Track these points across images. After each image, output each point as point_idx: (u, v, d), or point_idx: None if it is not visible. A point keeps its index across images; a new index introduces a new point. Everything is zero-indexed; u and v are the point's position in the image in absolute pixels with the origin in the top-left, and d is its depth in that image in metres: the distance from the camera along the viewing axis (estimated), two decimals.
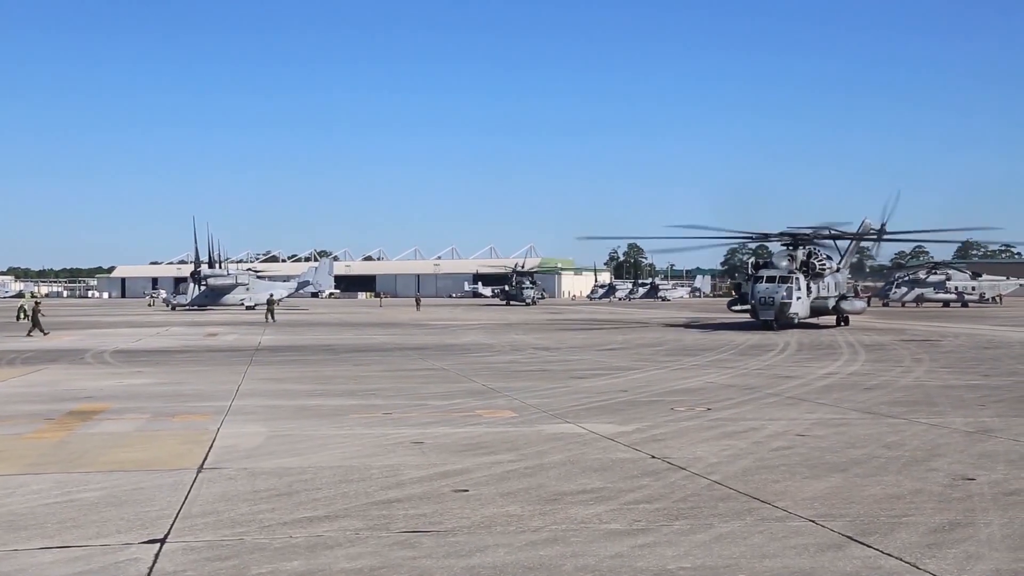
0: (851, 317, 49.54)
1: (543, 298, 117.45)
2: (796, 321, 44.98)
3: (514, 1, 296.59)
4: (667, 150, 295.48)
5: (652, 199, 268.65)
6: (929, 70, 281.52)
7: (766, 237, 51.38)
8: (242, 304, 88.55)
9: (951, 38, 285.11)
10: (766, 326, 44.00)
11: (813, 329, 44.29)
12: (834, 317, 48.63)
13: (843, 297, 49.23)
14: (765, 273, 46.16)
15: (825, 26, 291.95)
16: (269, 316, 59.67)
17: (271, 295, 72.39)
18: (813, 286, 46.76)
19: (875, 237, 55.76)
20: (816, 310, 47.18)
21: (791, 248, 48.14)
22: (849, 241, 54.64)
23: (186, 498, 8.88)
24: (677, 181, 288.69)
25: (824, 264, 47.95)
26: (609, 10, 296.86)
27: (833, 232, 51.46)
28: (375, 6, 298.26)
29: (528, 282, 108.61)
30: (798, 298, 45.02)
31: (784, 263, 46.74)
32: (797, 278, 45.28)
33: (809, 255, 47.75)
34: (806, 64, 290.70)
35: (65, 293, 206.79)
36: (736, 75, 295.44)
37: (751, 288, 46.11)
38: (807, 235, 49.00)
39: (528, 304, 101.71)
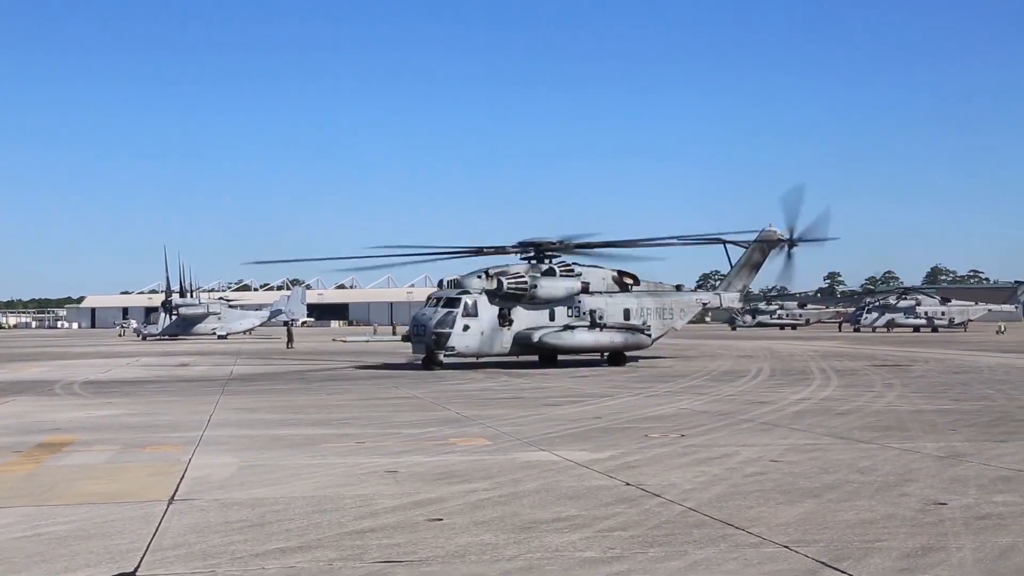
0: (630, 354, 39.08)
1: None
2: (442, 359, 35.14)
3: (498, 19, 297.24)
4: (659, 167, 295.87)
5: (641, 215, 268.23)
6: (904, 89, 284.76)
7: (502, 251, 39.43)
8: (214, 333, 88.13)
9: (927, 57, 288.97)
10: (424, 364, 35.29)
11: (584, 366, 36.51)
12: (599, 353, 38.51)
13: (568, 328, 36.88)
14: (436, 294, 37.32)
15: (811, 40, 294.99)
16: (289, 343, 59.97)
17: (290, 320, 72.30)
18: (531, 312, 36.41)
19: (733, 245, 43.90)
20: (521, 343, 36.51)
21: (534, 262, 37.97)
22: (744, 251, 44.26)
23: (156, 530, 8.77)
24: (669, 196, 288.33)
25: (539, 283, 36.23)
26: (597, 27, 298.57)
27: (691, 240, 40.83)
28: (350, 26, 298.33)
29: None
30: (465, 328, 35.08)
31: (475, 282, 36.23)
32: (474, 303, 35.42)
33: (548, 273, 37.21)
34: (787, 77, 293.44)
35: (34, 324, 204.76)
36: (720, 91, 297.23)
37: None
38: (553, 245, 38.28)
39: None
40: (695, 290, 44.03)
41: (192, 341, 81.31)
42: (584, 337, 37.19)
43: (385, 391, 25.94)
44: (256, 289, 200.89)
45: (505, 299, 36.12)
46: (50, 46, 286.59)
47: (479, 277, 36.40)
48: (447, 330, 34.97)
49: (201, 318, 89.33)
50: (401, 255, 40.83)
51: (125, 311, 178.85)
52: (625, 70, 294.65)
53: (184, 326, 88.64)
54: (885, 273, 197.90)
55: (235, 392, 25.92)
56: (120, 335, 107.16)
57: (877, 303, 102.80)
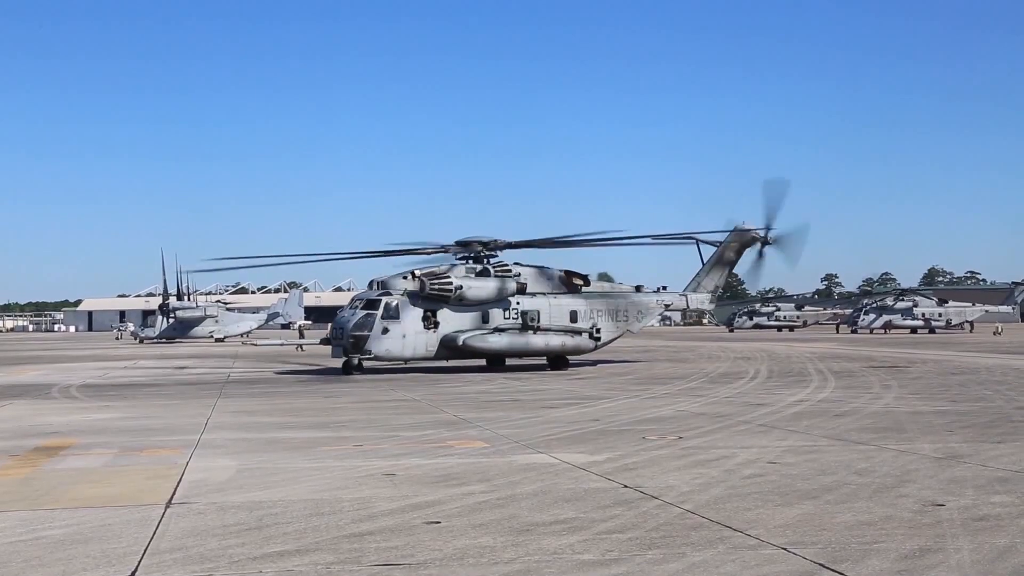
0: (574, 358, 38.11)
1: None
2: (360, 363, 34.06)
3: (472, 18, 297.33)
4: (659, 168, 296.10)
5: (621, 214, 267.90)
6: (900, 91, 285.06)
7: (442, 250, 37.79)
8: (211, 336, 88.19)
9: (919, 60, 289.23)
10: (344, 368, 34.16)
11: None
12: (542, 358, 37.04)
13: (497, 330, 35.55)
14: (358, 296, 36.45)
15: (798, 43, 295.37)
16: (299, 347, 59.93)
17: (300, 322, 71.99)
18: (460, 314, 35.08)
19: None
20: (448, 346, 35.05)
21: (470, 262, 36.57)
22: (716, 249, 42.12)
23: (154, 534, 8.76)
24: (668, 196, 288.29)
25: (465, 283, 34.95)
26: (573, 26, 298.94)
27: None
28: (346, 27, 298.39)
29: None
30: (385, 330, 33.85)
31: (400, 283, 35.11)
32: (395, 304, 34.22)
33: (482, 274, 35.86)
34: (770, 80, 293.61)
35: (31, 327, 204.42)
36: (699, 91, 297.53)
37: None
38: (492, 244, 36.95)
39: None
40: (658, 291, 41.48)
41: (189, 344, 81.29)
42: (514, 340, 35.99)
43: (383, 393, 25.93)
44: (253, 292, 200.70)
45: (430, 300, 34.76)
46: (47, 49, 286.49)
47: (404, 278, 35.21)
48: (365, 333, 33.77)
49: (198, 321, 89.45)
50: (336, 257, 39.68)
51: (122, 314, 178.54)
52: (612, 69, 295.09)
53: (181, 329, 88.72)
54: (882, 274, 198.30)
55: (233, 395, 25.88)
56: (117, 338, 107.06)
57: (874, 304, 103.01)
